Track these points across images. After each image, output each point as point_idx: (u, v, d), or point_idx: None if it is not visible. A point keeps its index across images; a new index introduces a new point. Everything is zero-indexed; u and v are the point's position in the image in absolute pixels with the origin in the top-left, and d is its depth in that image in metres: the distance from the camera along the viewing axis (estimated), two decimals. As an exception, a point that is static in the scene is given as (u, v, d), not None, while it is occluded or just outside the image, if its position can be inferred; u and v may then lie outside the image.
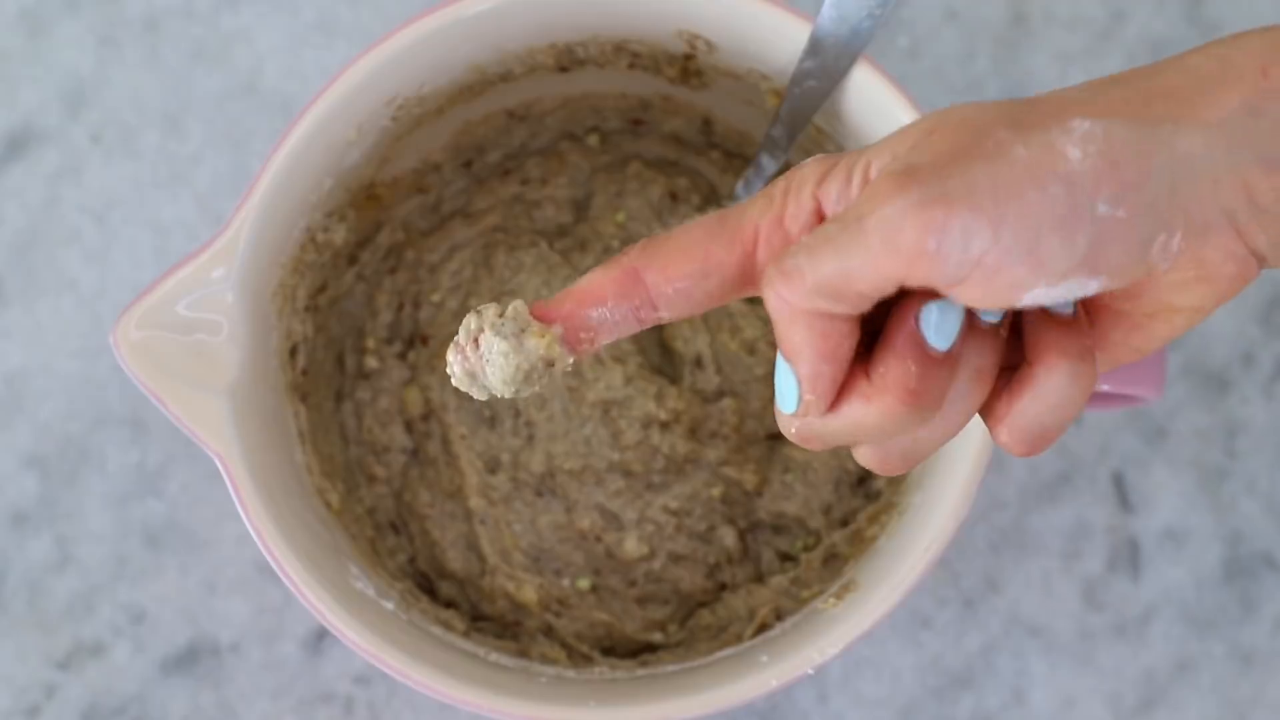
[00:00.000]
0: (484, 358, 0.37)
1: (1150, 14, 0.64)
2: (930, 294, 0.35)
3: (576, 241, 0.59)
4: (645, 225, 0.59)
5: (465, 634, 0.54)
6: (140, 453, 0.62)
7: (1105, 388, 0.50)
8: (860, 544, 0.55)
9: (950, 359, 0.35)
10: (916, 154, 0.34)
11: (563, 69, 0.54)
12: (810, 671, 0.48)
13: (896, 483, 0.56)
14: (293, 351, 0.54)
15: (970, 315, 0.36)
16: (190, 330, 0.49)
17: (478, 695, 0.48)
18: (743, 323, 0.58)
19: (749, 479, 0.57)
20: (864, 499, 0.57)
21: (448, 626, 0.54)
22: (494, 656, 0.52)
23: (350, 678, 0.62)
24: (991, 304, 0.34)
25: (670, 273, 0.37)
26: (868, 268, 0.34)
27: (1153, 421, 0.63)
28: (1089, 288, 0.34)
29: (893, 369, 0.35)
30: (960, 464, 0.49)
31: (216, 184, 0.64)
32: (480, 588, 0.57)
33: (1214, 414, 0.63)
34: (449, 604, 0.57)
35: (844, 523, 0.57)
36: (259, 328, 0.50)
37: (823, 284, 0.34)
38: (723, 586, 0.57)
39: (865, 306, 0.35)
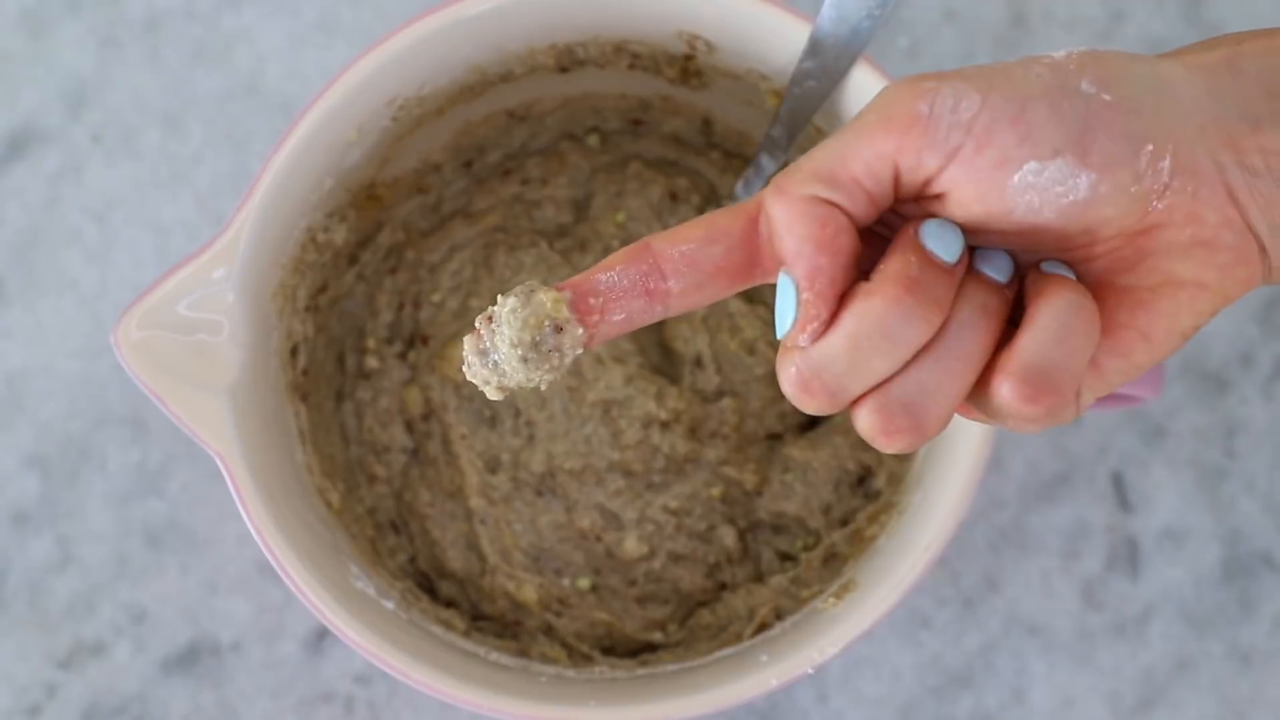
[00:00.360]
0: (494, 327, 0.37)
1: (1149, 14, 0.64)
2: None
3: (576, 241, 0.59)
4: (645, 225, 0.59)
5: (465, 633, 0.54)
6: (141, 452, 0.62)
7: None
8: (860, 543, 0.55)
9: (950, 273, 0.35)
10: None
11: (563, 69, 0.54)
12: (810, 671, 0.48)
13: (896, 482, 0.55)
14: (293, 351, 0.54)
15: (978, 272, 0.36)
16: (191, 330, 0.48)
17: (478, 695, 0.48)
18: (742, 323, 0.58)
19: (749, 478, 0.57)
20: (863, 498, 0.57)
21: (448, 626, 0.54)
22: (494, 656, 0.52)
23: (351, 677, 0.62)
24: (984, 204, 0.35)
25: (676, 237, 0.37)
26: (862, 142, 0.35)
27: (1152, 421, 0.63)
28: (1080, 184, 0.34)
29: (894, 263, 0.35)
30: (959, 463, 0.49)
31: (217, 184, 0.64)
32: (480, 587, 0.57)
33: (1213, 414, 0.63)
34: (449, 604, 0.57)
35: (843, 522, 0.57)
36: (260, 328, 0.50)
37: (819, 167, 0.35)
38: (722, 586, 0.57)
39: (860, 199, 0.36)
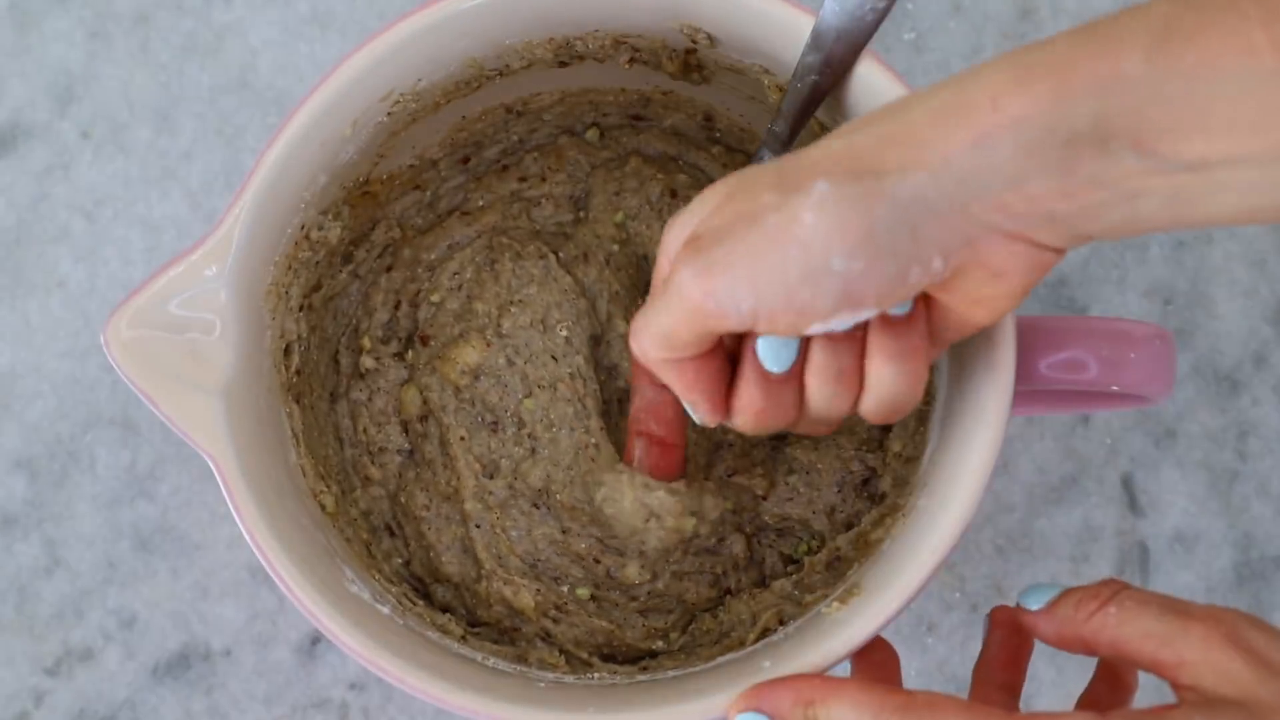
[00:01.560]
0: None
1: (1158, 8, 0.64)
2: None
3: (580, 251, 0.58)
4: (645, 224, 0.59)
5: (462, 639, 0.54)
6: (131, 454, 0.62)
7: (1114, 388, 0.49)
8: (865, 547, 0.54)
9: (790, 377, 0.43)
10: (708, 221, 0.41)
11: (561, 64, 0.54)
12: (814, 677, 0.48)
13: (901, 485, 0.55)
14: (287, 351, 0.54)
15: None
16: (183, 329, 0.48)
17: (474, 700, 0.48)
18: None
19: (759, 484, 0.56)
20: (868, 501, 0.57)
21: (444, 631, 0.53)
22: (491, 662, 0.52)
23: (345, 683, 0.62)
24: (792, 334, 0.41)
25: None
26: (680, 324, 0.42)
27: (1162, 423, 0.63)
28: (865, 315, 0.40)
29: (742, 395, 0.44)
30: (966, 466, 0.48)
31: (208, 180, 0.64)
32: (476, 593, 0.56)
33: (1225, 415, 0.63)
34: (445, 609, 0.57)
35: (848, 525, 0.57)
36: (253, 327, 0.50)
37: (658, 338, 0.43)
38: (726, 592, 0.57)
39: (705, 346, 0.43)
